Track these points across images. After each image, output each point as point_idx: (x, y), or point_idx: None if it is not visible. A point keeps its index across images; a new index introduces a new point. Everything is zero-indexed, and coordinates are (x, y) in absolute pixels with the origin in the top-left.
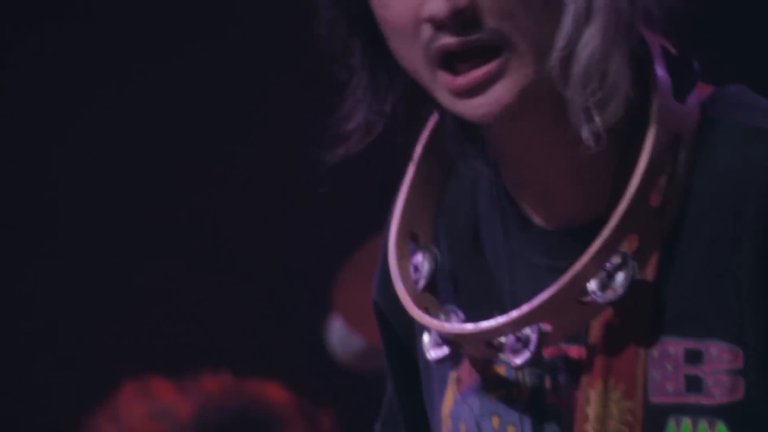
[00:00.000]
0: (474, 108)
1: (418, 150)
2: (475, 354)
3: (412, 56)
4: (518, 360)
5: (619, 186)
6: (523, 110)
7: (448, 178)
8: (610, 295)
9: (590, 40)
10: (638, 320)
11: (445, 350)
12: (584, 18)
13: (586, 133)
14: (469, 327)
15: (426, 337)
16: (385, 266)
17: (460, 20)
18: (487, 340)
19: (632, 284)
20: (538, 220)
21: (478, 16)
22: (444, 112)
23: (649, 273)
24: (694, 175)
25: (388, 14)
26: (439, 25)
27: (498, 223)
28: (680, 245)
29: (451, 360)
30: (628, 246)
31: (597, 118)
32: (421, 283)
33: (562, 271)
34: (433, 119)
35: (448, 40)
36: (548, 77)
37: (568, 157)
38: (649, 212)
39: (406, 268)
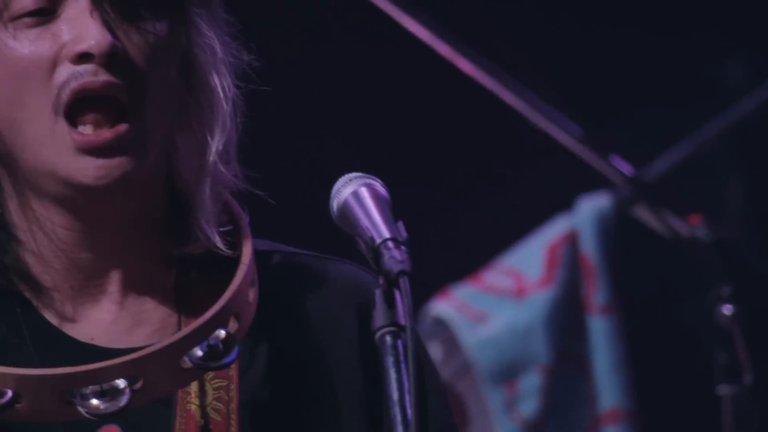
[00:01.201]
0: (97, 168)
1: None
2: (46, 405)
3: (34, 101)
4: (105, 408)
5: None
6: (134, 189)
7: None
8: (212, 363)
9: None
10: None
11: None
12: (216, 158)
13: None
14: (67, 369)
15: None
16: None
17: (113, 61)
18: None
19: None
20: (74, 332)
21: (130, 66)
22: None
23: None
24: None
25: (24, 54)
26: (91, 61)
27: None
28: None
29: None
30: (230, 328)
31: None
32: None
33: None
34: None
35: (90, 79)
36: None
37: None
38: (247, 302)
39: None
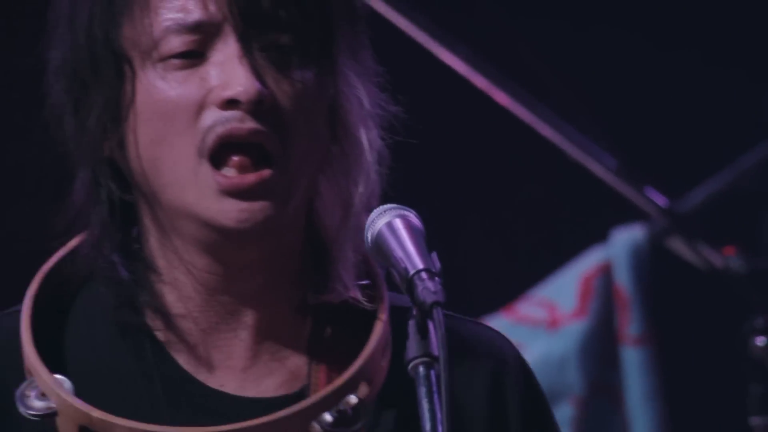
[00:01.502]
0: (240, 211)
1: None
2: None
3: (179, 143)
4: None
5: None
6: (274, 234)
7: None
8: (341, 429)
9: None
10: None
11: None
12: (360, 206)
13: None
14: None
15: None
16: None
17: (260, 109)
18: None
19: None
20: (204, 378)
21: (277, 113)
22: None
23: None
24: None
25: (172, 95)
26: (238, 107)
27: (154, 376)
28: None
29: None
30: (360, 393)
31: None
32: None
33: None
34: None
35: (236, 125)
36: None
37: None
38: (379, 367)
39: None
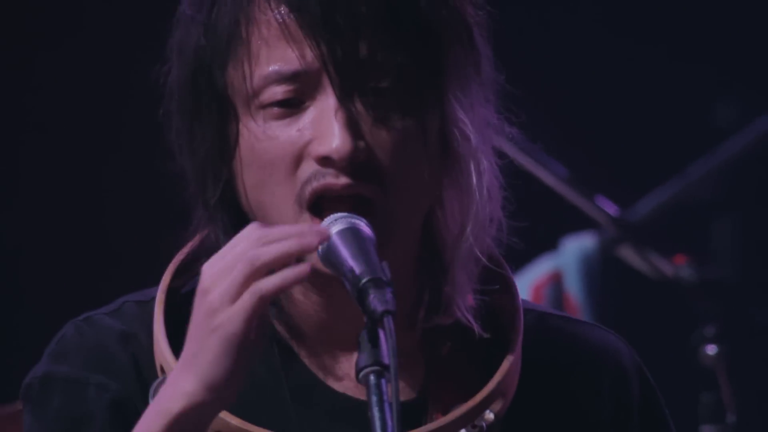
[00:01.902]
0: None
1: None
2: None
3: (279, 192)
4: None
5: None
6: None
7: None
8: None
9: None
10: None
11: None
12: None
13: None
14: None
15: None
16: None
17: (355, 164)
18: None
19: None
20: (338, 386)
21: (373, 164)
22: None
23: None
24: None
25: (271, 146)
26: (332, 164)
27: (282, 384)
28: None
29: None
30: (494, 407)
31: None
32: None
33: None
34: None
35: (332, 180)
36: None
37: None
38: (514, 381)
39: None
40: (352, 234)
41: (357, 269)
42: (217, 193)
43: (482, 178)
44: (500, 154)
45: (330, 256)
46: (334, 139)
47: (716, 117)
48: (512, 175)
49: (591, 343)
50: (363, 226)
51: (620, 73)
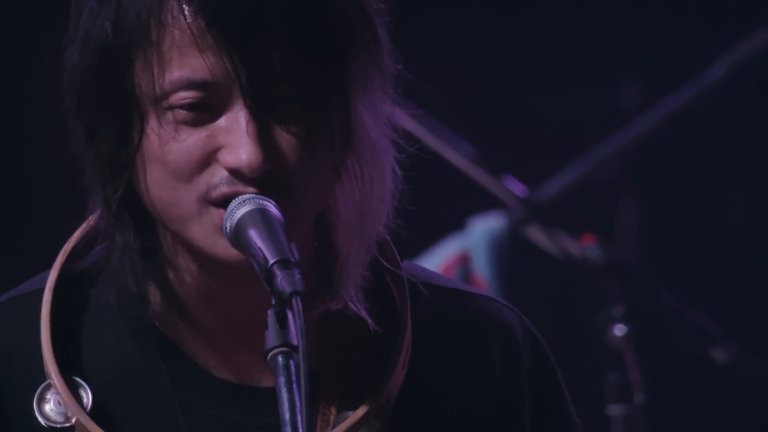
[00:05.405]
0: None
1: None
2: None
3: (183, 190)
4: None
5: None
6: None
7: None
8: None
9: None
10: None
11: None
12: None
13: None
14: None
15: None
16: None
17: (263, 176)
18: None
19: None
20: (220, 373)
21: (280, 173)
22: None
23: None
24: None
25: (177, 147)
26: (239, 176)
27: (163, 373)
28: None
29: None
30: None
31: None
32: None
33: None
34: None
35: (241, 188)
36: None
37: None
38: (399, 381)
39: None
40: (260, 215)
41: (264, 250)
42: (119, 189)
43: (381, 173)
44: (408, 137)
45: (238, 236)
46: (244, 152)
47: (620, 98)
48: (418, 156)
49: (481, 313)
50: (271, 207)
51: (527, 54)
